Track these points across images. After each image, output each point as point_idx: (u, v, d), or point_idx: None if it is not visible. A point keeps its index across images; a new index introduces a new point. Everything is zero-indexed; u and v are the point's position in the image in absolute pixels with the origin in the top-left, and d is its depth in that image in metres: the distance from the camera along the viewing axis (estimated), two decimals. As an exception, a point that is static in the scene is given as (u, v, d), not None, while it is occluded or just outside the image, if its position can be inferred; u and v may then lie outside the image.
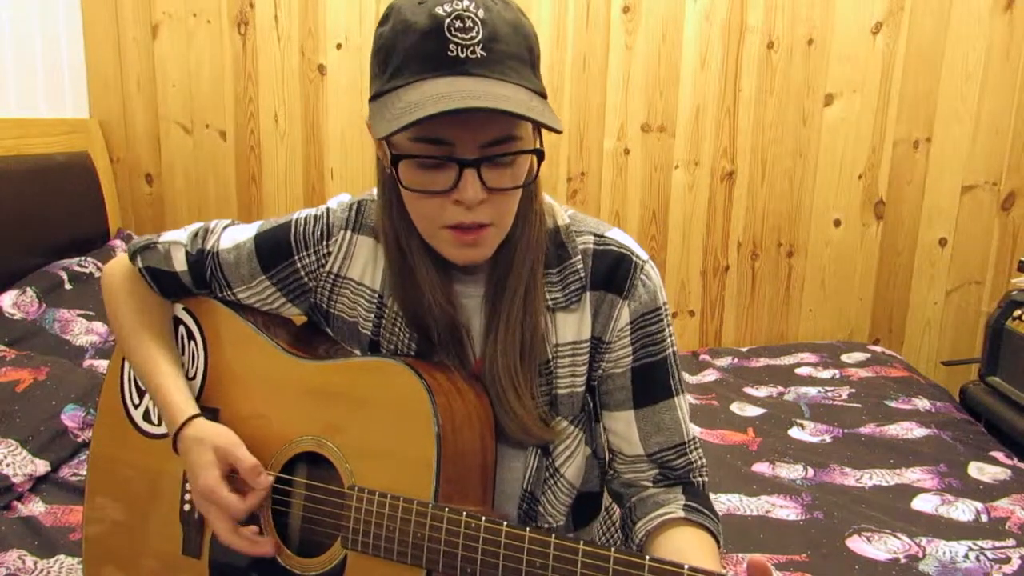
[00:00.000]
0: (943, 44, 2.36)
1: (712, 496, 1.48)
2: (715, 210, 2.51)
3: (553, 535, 0.70)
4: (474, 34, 0.73)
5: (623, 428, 0.93)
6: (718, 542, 0.88)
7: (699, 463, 0.95)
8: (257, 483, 0.88)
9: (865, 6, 2.36)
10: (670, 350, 0.92)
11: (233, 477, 0.90)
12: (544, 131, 0.78)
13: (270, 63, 2.47)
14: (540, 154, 0.80)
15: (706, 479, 0.96)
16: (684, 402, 0.94)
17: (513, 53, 0.76)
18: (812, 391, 2.09)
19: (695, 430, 0.95)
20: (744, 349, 2.49)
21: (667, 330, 0.92)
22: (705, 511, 0.89)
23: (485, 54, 0.73)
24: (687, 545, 0.83)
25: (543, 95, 0.79)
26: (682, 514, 0.87)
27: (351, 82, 2.47)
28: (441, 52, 0.73)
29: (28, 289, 1.92)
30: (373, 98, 0.78)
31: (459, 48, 0.73)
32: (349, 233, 0.94)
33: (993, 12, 2.32)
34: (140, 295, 1.01)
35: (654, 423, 0.92)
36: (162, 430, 1.00)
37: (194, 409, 0.95)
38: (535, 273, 0.87)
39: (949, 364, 2.44)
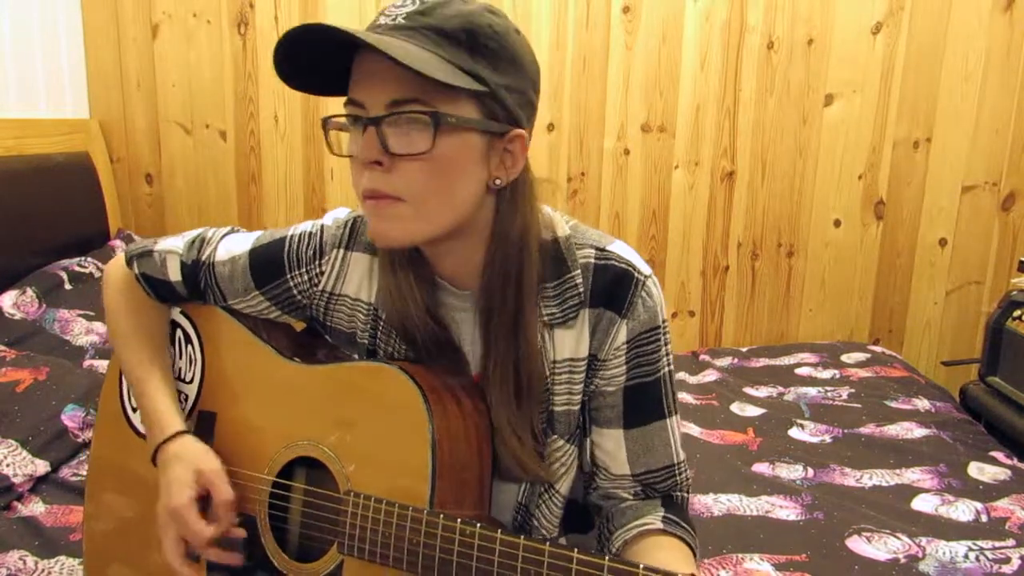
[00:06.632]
0: (943, 44, 2.35)
1: (712, 496, 1.51)
2: (715, 210, 2.51)
3: (547, 543, 0.70)
4: (406, 8, 0.75)
5: (611, 446, 0.90)
6: (694, 554, 0.86)
7: (684, 483, 0.92)
8: (227, 517, 0.88)
9: (865, 6, 2.35)
10: (665, 370, 0.89)
11: (200, 505, 0.89)
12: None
13: (270, 63, 2.45)
14: (436, 118, 0.73)
15: (687, 495, 0.94)
16: (676, 423, 0.91)
17: (436, 27, 0.73)
18: (812, 391, 2.08)
19: (684, 453, 0.94)
20: (744, 349, 2.49)
21: (664, 349, 0.88)
22: (683, 524, 0.88)
23: (404, 22, 0.74)
24: (664, 553, 0.82)
25: (474, 76, 0.74)
26: (660, 525, 0.86)
27: (351, 82, 2.46)
28: (371, 24, 0.77)
29: (28, 289, 1.92)
30: None
31: (384, 17, 0.76)
32: (342, 251, 0.93)
33: (993, 12, 2.32)
34: (136, 300, 1.01)
35: (643, 444, 0.89)
36: None
37: (181, 426, 0.94)
38: (525, 297, 0.83)
39: (949, 364, 2.43)
